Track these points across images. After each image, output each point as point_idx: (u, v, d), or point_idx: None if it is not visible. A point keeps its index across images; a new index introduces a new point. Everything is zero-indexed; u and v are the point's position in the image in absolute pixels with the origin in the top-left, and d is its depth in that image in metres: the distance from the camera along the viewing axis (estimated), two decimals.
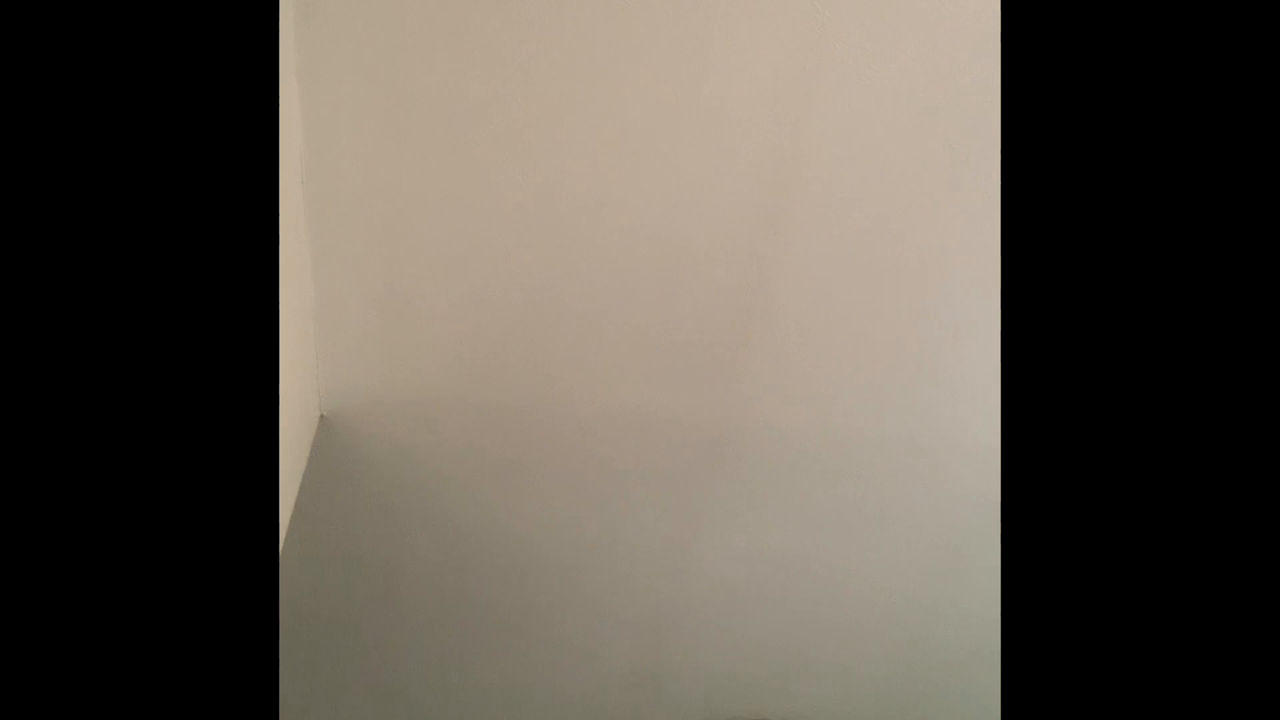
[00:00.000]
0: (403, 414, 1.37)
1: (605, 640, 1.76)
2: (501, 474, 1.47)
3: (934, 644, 1.78)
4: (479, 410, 1.38)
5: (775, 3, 1.05)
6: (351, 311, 1.26)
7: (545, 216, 1.19)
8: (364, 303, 1.25)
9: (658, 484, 1.50)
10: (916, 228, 1.22)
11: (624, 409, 1.39)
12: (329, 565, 1.58)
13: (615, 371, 1.34)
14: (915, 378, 1.37)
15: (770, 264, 1.24)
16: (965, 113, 1.13)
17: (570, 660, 1.80)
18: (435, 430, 1.40)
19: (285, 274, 1.04)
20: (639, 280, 1.25)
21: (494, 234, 1.20)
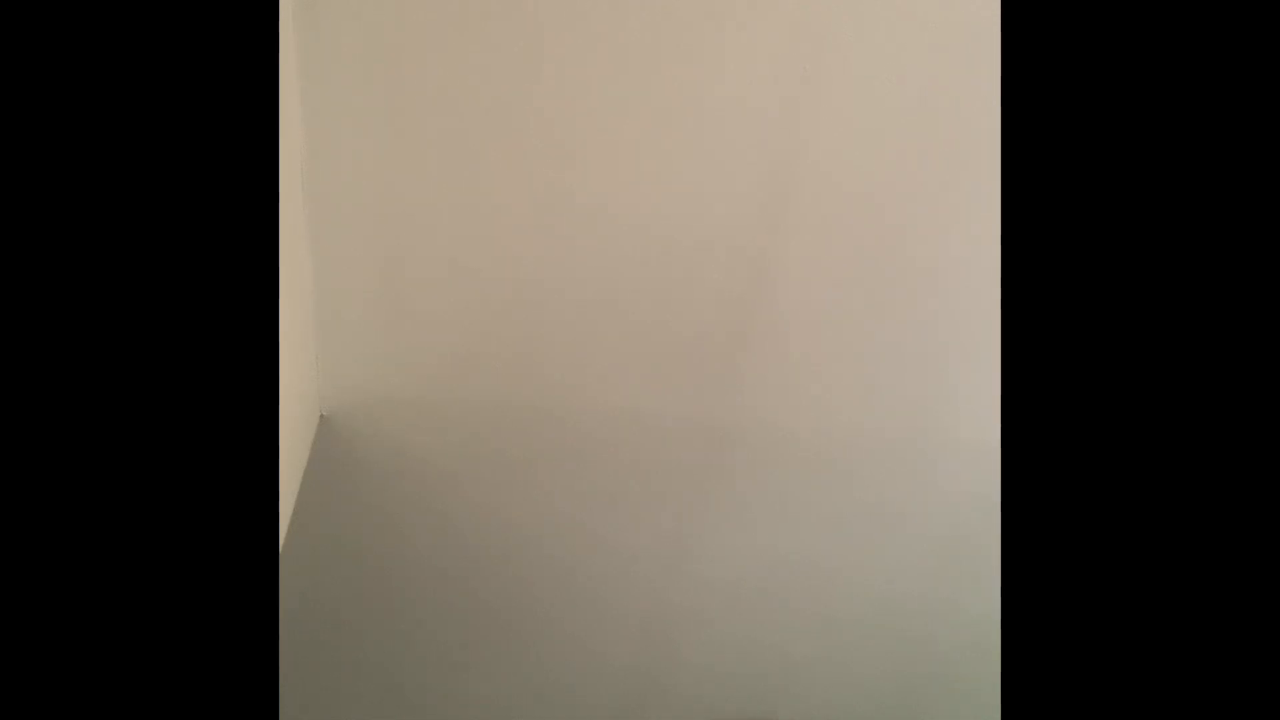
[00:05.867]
0: (403, 414, 1.37)
1: (605, 640, 1.76)
2: (502, 473, 1.47)
3: (933, 644, 1.78)
4: (479, 410, 1.38)
5: (777, 6, 1.05)
6: (351, 311, 1.26)
7: (545, 216, 1.19)
8: (364, 303, 1.25)
9: (658, 484, 1.50)
10: (916, 228, 1.22)
11: (624, 409, 1.39)
12: (329, 565, 1.57)
13: (616, 371, 1.34)
14: (915, 378, 1.37)
15: (770, 264, 1.24)
16: (965, 114, 1.13)
17: (570, 660, 1.80)
18: (435, 430, 1.39)
19: (285, 274, 1.04)
20: (640, 280, 1.25)
21: (494, 234, 1.20)
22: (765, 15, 1.05)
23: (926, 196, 1.19)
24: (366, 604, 1.66)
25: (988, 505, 1.53)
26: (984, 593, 1.67)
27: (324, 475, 1.41)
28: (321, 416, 1.36)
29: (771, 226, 1.21)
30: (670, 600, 1.69)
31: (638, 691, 1.88)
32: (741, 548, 1.60)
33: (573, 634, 1.74)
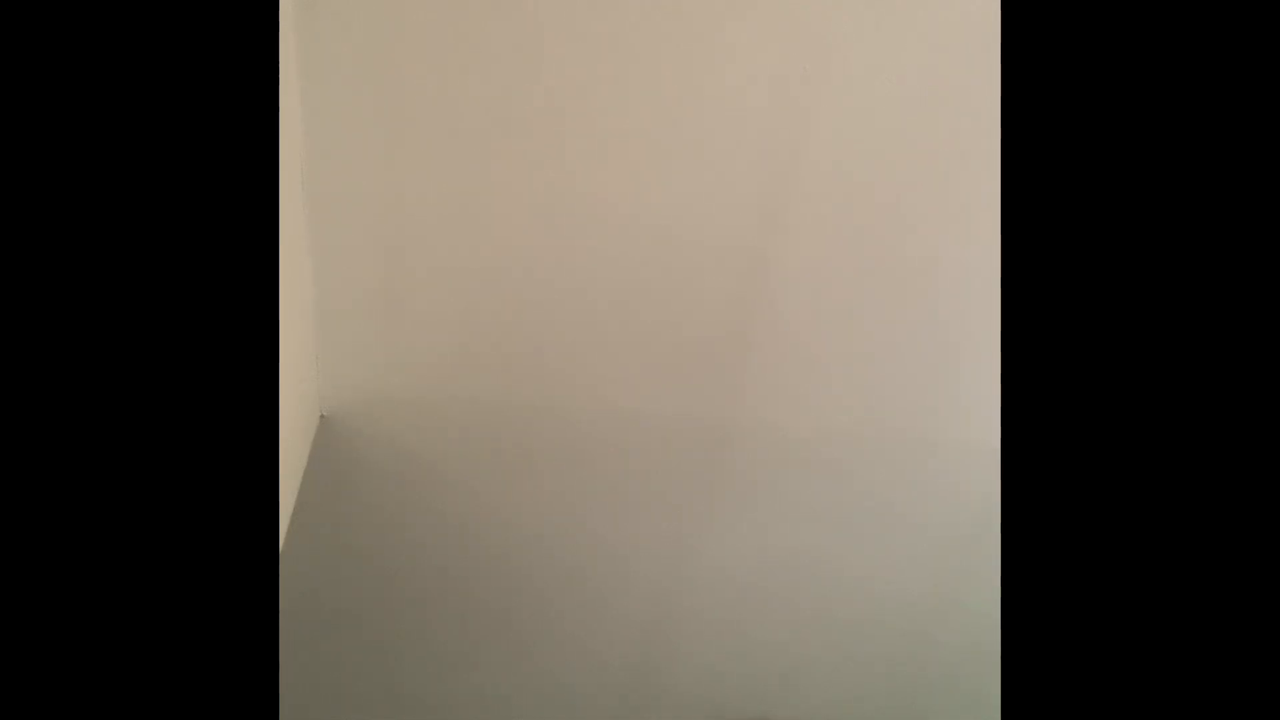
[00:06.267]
0: (403, 414, 1.37)
1: (606, 640, 1.76)
2: (501, 474, 1.47)
3: (934, 644, 1.78)
4: (479, 410, 1.38)
5: (777, 6, 1.05)
6: (351, 311, 1.26)
7: (546, 216, 1.19)
8: (364, 303, 1.25)
9: (658, 484, 1.49)
10: (917, 228, 1.22)
11: (624, 408, 1.39)
12: (329, 565, 1.57)
13: (616, 371, 1.34)
14: (915, 378, 1.37)
15: (770, 264, 1.24)
16: (965, 114, 1.13)
17: (570, 660, 1.80)
18: (435, 430, 1.39)
19: (285, 274, 1.04)
20: (640, 280, 1.25)
21: (494, 234, 1.20)
22: (765, 14, 1.05)
23: (927, 196, 1.19)
24: (366, 603, 1.66)
25: (988, 505, 1.53)
26: (984, 592, 1.67)
27: (324, 475, 1.41)
28: (321, 416, 1.36)
29: (771, 226, 1.21)
30: (670, 600, 1.69)
31: (638, 691, 1.88)
32: (741, 548, 1.60)
33: (573, 634, 1.74)
